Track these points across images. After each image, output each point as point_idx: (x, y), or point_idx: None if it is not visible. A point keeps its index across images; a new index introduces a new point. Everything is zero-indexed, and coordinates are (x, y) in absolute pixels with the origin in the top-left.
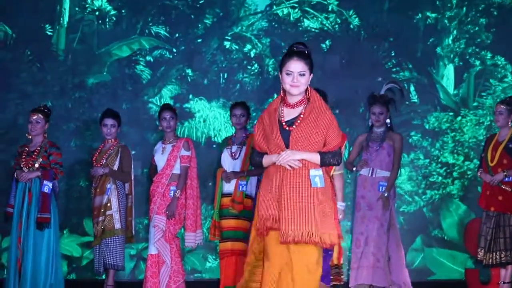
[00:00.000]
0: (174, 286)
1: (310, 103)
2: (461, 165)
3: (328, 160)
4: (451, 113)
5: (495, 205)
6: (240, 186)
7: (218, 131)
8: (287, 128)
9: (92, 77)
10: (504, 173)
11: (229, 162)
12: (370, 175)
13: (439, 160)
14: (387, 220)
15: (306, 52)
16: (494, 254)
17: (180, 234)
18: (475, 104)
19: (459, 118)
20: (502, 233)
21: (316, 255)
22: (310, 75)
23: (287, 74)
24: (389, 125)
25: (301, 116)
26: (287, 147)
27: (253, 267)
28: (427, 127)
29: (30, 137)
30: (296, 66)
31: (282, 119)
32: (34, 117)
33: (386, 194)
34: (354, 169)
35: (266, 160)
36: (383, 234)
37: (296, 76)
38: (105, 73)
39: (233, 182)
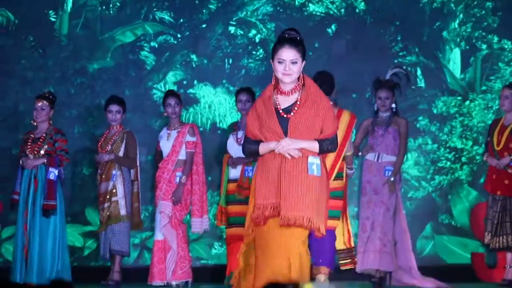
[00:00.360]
0: (180, 272)
1: (305, 89)
2: (470, 150)
3: (326, 147)
4: (459, 98)
5: (501, 189)
6: (246, 172)
7: (223, 116)
8: (285, 116)
9: (95, 63)
10: (510, 157)
11: (235, 148)
12: (376, 160)
13: (448, 145)
14: (393, 205)
15: (298, 38)
16: (500, 238)
17: (186, 221)
18: (484, 88)
19: (467, 102)
20: (508, 217)
21: (305, 236)
22: (302, 62)
23: (279, 62)
24: (394, 110)
25: (298, 102)
26: (286, 134)
27: (247, 255)
28: (435, 111)
29: (35, 123)
30: (288, 54)
31: (279, 106)
32: (39, 104)
33: (392, 179)
34: (360, 153)
35: (263, 148)
36: (389, 218)
37: (288, 64)
38: (108, 59)
39: (239, 167)
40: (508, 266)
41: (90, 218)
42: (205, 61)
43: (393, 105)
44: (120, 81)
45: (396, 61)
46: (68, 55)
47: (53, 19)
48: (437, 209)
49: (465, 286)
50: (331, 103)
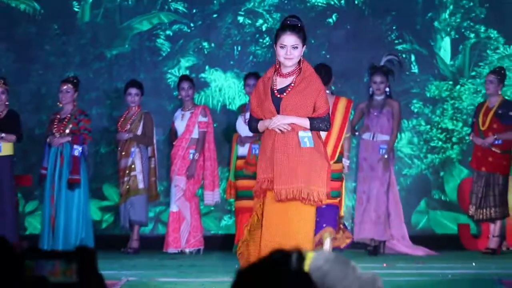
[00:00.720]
0: (193, 241)
1: (302, 73)
2: (460, 130)
3: (317, 124)
4: (450, 82)
5: (485, 166)
6: (253, 149)
7: (232, 99)
8: (278, 96)
9: (114, 49)
10: (494, 137)
11: (243, 128)
12: (371, 139)
13: (439, 126)
14: (387, 180)
15: (299, 25)
16: (484, 210)
17: (198, 194)
18: (473, 73)
19: (458, 87)
20: (492, 191)
21: (311, 214)
22: (303, 47)
23: (281, 47)
24: (388, 93)
25: (292, 84)
26: (278, 113)
27: (253, 227)
28: (428, 95)
29: (61, 105)
30: (289, 39)
31: (275, 87)
32: (64, 87)
33: (386, 156)
34: (356, 133)
35: (260, 125)
36: (383, 192)
37: (290, 49)
38: (126, 46)
39: (247, 145)
40: (491, 236)
41: (107, 194)
42: (216, 48)
43: (387, 89)
44: (135, 66)
45: (394, 48)
46: (89, 42)
47: (76, 9)
48: (430, 185)
49: (452, 254)
50: (328, 92)
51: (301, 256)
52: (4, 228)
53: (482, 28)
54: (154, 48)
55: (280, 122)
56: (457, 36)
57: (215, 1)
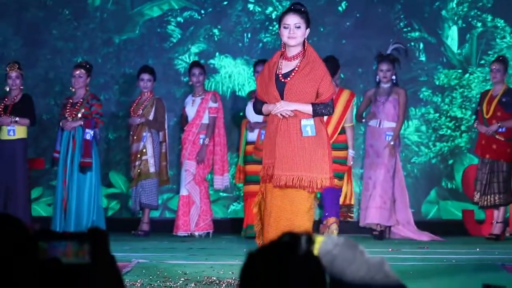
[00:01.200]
0: (202, 224)
1: (306, 56)
2: (469, 119)
3: (320, 110)
4: (459, 70)
5: (490, 153)
6: (262, 135)
7: (242, 85)
8: (283, 80)
9: (124, 35)
10: (498, 124)
11: (252, 114)
12: (378, 125)
13: (448, 114)
14: (393, 166)
15: (302, 9)
16: (488, 196)
17: (208, 178)
18: (482, 62)
19: (467, 75)
20: (496, 178)
21: (309, 201)
22: (306, 29)
23: (285, 27)
24: (394, 81)
25: (296, 69)
26: (282, 98)
27: (259, 207)
28: (437, 83)
29: (73, 90)
30: (292, 19)
31: (280, 71)
32: (77, 72)
33: (392, 143)
34: (363, 120)
35: (264, 109)
36: (389, 178)
37: (293, 28)
38: (137, 32)
39: (256, 131)
40: (495, 222)
41: (114, 181)
42: (226, 35)
43: (393, 77)
44: (144, 52)
45: (402, 36)
46: (96, 27)
47: None
48: (440, 174)
49: (457, 239)
50: (333, 84)
51: (310, 240)
52: (16, 210)
53: (489, 17)
54: (165, 34)
55: (283, 108)
56: (464, 25)
57: None
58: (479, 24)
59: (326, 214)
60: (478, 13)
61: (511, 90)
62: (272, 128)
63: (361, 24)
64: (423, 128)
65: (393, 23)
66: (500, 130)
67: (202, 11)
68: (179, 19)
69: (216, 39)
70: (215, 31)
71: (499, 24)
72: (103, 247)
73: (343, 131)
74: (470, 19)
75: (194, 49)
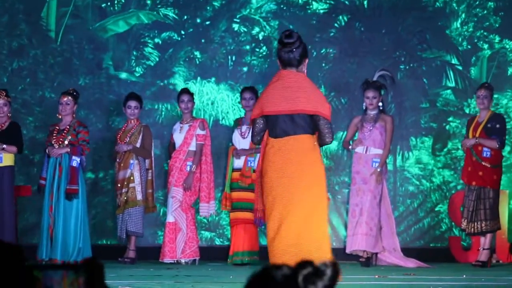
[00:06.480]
0: (189, 251)
1: None
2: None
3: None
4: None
5: (476, 180)
6: (249, 162)
7: (226, 113)
8: None
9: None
10: (476, 140)
11: (239, 141)
12: (364, 152)
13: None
14: (380, 193)
15: (296, 42)
16: (475, 223)
17: (195, 206)
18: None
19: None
20: (482, 205)
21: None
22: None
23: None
24: (381, 108)
25: None
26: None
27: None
28: (467, 111)
29: (60, 117)
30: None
31: None
32: (65, 99)
33: (378, 170)
34: (350, 147)
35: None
36: (375, 205)
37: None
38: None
39: (243, 158)
40: (481, 249)
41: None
42: (209, 58)
43: (380, 104)
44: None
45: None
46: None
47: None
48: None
49: (443, 266)
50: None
51: (335, 270)
52: (3, 238)
53: (497, 38)
54: (141, 56)
55: None
56: (469, 46)
57: (208, 7)
58: (485, 46)
59: None
60: (485, 33)
61: (496, 115)
62: None
63: (350, 51)
64: (451, 163)
65: (382, 50)
66: (485, 155)
67: (182, 32)
68: (157, 40)
69: (197, 62)
70: (197, 53)
71: (507, 46)
72: (99, 278)
73: None
74: (476, 40)
75: (174, 73)
